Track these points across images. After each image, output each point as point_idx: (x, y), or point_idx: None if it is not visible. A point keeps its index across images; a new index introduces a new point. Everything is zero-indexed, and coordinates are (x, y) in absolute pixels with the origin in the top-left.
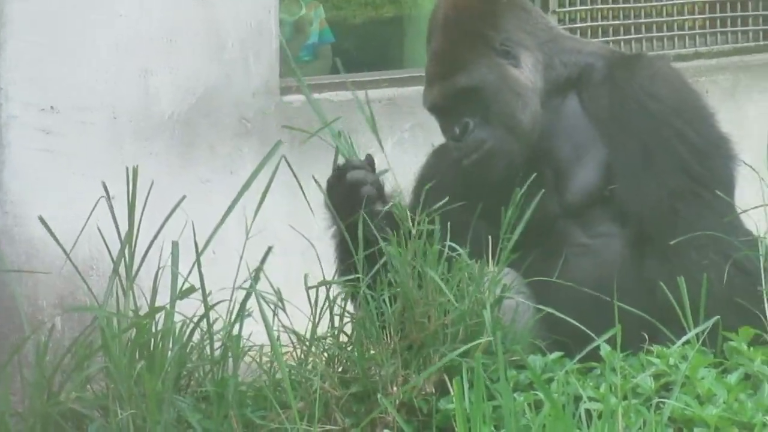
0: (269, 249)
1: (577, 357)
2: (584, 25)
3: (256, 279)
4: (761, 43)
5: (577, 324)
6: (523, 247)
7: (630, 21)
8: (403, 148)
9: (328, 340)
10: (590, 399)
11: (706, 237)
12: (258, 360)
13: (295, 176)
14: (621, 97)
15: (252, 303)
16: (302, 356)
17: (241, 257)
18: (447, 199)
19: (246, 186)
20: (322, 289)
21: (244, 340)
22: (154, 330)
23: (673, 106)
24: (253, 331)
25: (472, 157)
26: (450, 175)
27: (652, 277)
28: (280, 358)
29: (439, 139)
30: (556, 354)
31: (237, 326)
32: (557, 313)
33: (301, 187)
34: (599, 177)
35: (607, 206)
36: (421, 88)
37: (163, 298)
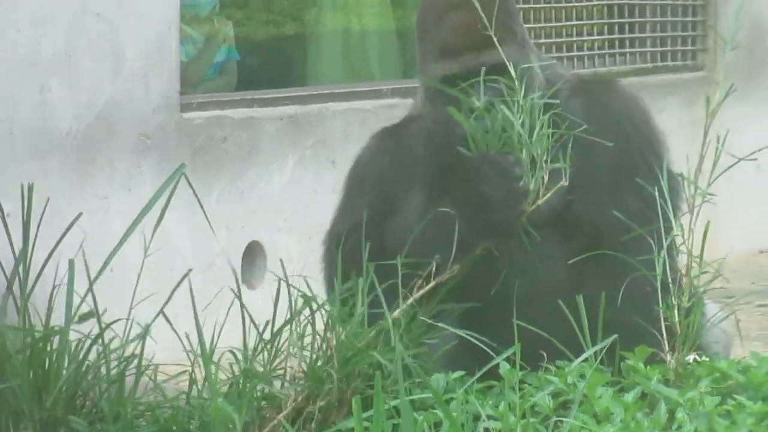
0: (184, 276)
1: (477, 375)
2: None
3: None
4: (659, 64)
5: (477, 341)
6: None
7: (531, 40)
8: (304, 165)
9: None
10: (489, 417)
11: (653, 260)
12: (154, 379)
13: (195, 195)
14: (600, 115)
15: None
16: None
17: (139, 275)
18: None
19: (146, 209)
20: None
21: (144, 360)
22: (49, 349)
23: (644, 132)
24: (156, 350)
25: None
26: (408, 155)
27: (593, 294)
28: (210, 380)
29: (341, 155)
30: (458, 373)
31: (135, 346)
32: (464, 334)
33: (201, 206)
34: (558, 197)
35: (557, 227)
36: (322, 105)
37: (59, 317)
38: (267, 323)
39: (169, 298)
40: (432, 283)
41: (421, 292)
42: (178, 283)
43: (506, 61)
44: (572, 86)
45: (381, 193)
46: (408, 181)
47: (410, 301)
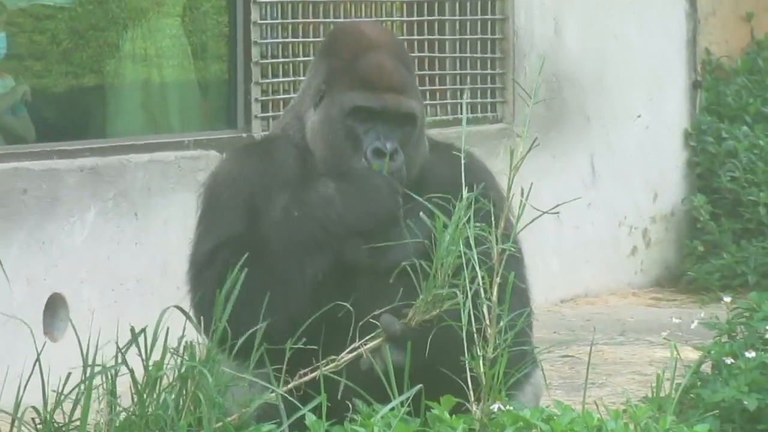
0: None
1: (284, 426)
2: (287, 96)
3: None
4: (459, 116)
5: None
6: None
7: None
8: (106, 218)
9: None
10: None
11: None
12: None
13: None
14: (456, 175)
15: None
16: None
17: None
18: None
19: None
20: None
21: None
22: None
23: (491, 190)
24: None
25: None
26: (280, 173)
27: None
28: None
29: (143, 206)
30: (267, 426)
31: None
32: (265, 383)
33: None
34: (418, 246)
35: (399, 277)
36: (122, 157)
37: None
38: (69, 375)
39: None
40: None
41: (304, 379)
42: None
43: (415, 113)
44: (432, 146)
45: (249, 208)
46: (279, 195)
47: (306, 378)
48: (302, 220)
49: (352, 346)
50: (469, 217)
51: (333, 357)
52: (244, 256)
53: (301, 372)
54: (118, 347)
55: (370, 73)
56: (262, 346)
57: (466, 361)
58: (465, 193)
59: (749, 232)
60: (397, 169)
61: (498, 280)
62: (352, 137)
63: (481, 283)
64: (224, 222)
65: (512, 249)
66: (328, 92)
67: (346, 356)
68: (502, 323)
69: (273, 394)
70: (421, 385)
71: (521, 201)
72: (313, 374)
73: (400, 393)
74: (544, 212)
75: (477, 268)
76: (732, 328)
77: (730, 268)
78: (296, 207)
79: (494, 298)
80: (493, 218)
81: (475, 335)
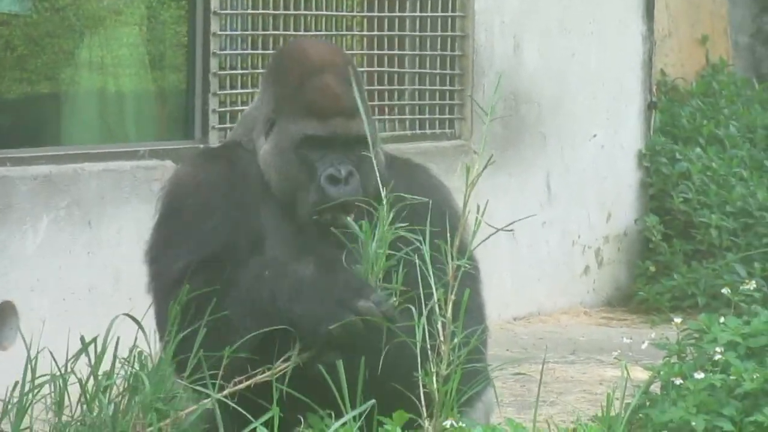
0: None
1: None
2: (244, 107)
3: None
4: (417, 131)
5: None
6: None
7: None
8: (59, 226)
9: None
10: None
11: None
12: None
13: None
14: (417, 193)
15: None
16: None
17: None
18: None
19: None
20: None
21: None
22: None
23: (449, 208)
24: None
25: (341, 202)
26: (243, 189)
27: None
28: None
29: (97, 215)
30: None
31: None
32: (220, 396)
33: None
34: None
35: None
36: (76, 166)
37: None
38: (16, 384)
39: None
40: (267, 374)
41: (239, 386)
42: None
43: (367, 134)
44: (389, 162)
45: (217, 227)
46: (248, 218)
47: (242, 386)
48: (272, 293)
49: (288, 354)
50: (393, 218)
51: (269, 366)
52: (217, 281)
53: (236, 379)
54: (66, 356)
55: (316, 100)
56: (199, 354)
57: (420, 377)
58: (396, 193)
59: (700, 253)
60: (353, 193)
61: (452, 297)
62: (306, 166)
63: (435, 299)
64: (194, 236)
65: (467, 265)
66: (277, 121)
67: (281, 365)
68: (456, 340)
69: (208, 400)
70: (373, 401)
71: (476, 218)
72: (248, 382)
73: (353, 407)
74: (498, 229)
75: (429, 276)
76: (682, 350)
77: (681, 289)
78: (274, 274)
79: (448, 314)
80: (448, 234)
81: (429, 351)
